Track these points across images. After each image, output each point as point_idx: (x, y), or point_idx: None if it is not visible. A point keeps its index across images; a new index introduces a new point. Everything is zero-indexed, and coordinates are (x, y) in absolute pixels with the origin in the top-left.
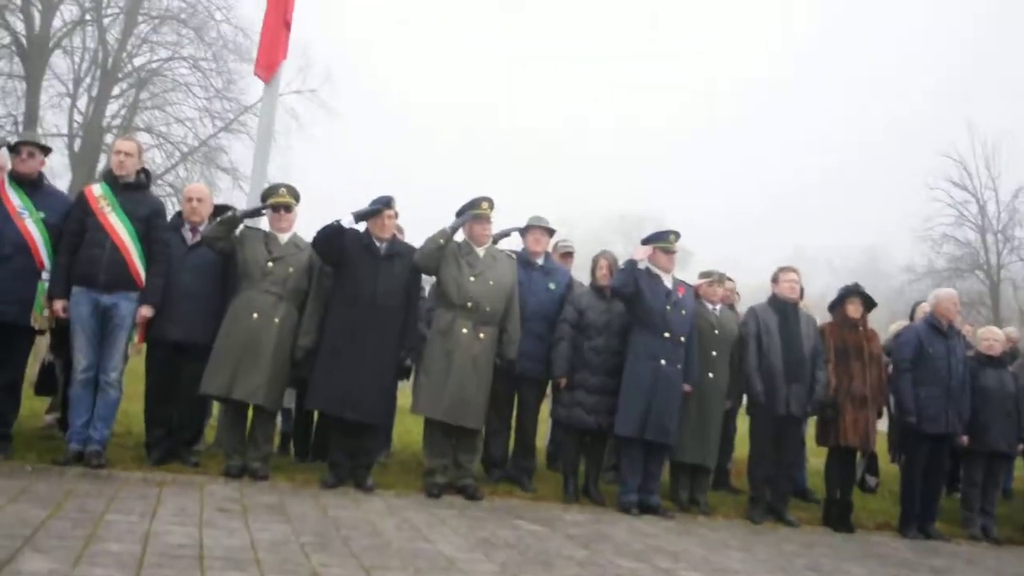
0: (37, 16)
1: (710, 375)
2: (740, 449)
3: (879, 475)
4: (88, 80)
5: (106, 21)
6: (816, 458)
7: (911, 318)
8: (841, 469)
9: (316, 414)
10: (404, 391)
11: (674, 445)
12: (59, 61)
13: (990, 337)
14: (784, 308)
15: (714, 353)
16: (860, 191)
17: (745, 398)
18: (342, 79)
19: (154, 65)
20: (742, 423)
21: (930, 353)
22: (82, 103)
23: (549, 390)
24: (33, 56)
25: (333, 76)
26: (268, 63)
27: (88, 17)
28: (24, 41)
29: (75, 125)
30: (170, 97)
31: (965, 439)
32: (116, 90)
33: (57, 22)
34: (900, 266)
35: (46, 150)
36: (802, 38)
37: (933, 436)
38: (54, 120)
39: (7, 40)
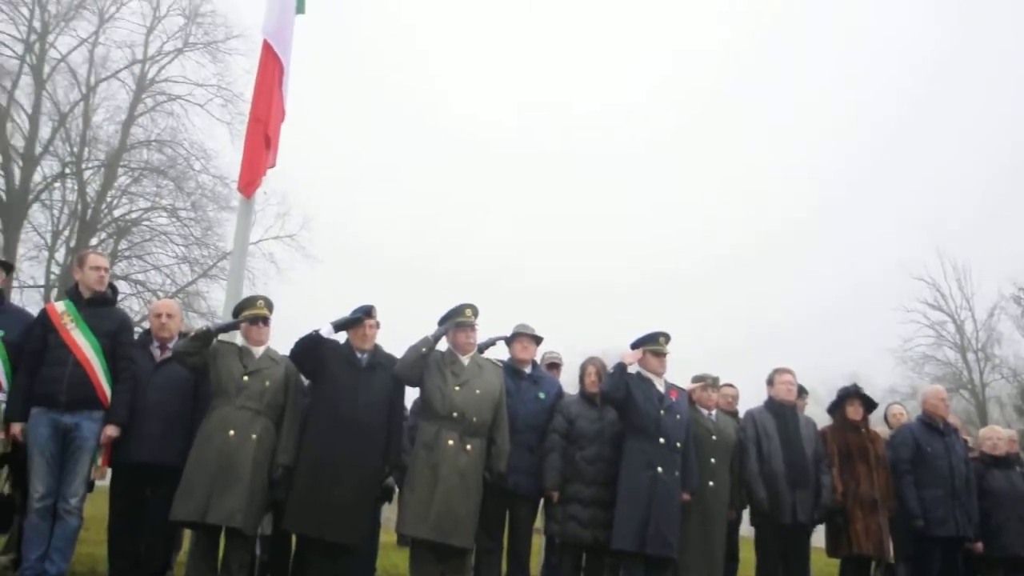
0: (17, 171)
1: (710, 484)
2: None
3: None
4: (67, 232)
5: (86, 174)
6: None
7: (886, 422)
8: None
9: (295, 539)
10: (388, 528)
11: (677, 559)
12: (38, 214)
13: (992, 436)
14: (782, 411)
15: (713, 460)
16: (837, 316)
17: (748, 508)
18: (320, 224)
19: (133, 215)
20: (745, 546)
21: (928, 452)
22: (60, 254)
23: (542, 506)
24: (11, 211)
25: (311, 222)
26: (249, 180)
27: (68, 171)
28: (3, 195)
29: (52, 276)
30: (148, 246)
31: (980, 545)
32: (94, 240)
33: (37, 176)
34: (883, 389)
35: (8, 267)
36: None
37: (944, 541)
38: (31, 272)
39: None
